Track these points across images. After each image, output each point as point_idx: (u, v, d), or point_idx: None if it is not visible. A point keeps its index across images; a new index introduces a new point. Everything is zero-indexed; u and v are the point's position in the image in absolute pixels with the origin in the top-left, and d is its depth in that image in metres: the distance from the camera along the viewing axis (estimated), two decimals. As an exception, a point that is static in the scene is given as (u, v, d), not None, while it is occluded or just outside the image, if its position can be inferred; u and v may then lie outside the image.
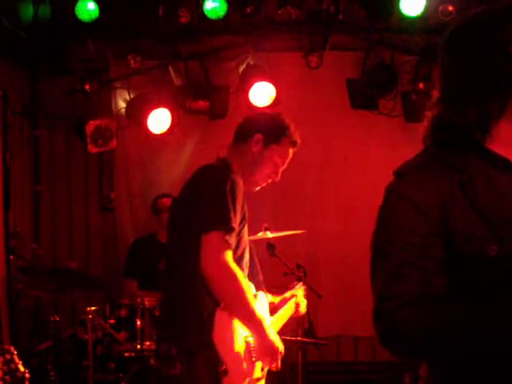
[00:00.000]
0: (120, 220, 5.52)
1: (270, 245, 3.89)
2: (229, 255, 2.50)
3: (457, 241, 1.45)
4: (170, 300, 2.67)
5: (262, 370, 2.70)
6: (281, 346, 2.67)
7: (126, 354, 4.16)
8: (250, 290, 2.60)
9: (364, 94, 5.22)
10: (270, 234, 3.98)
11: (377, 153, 5.42)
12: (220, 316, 2.50)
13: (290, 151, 2.90)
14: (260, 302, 2.81)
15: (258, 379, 2.66)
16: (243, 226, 2.67)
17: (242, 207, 2.63)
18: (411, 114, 5.26)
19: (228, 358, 2.48)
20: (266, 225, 3.98)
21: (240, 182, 2.65)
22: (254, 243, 3.53)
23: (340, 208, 5.38)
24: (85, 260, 5.47)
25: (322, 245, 5.29)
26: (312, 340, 4.01)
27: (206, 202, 2.57)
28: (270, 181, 2.90)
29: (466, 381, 1.49)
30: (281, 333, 4.29)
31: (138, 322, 4.16)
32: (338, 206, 5.39)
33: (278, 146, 2.85)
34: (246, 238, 2.74)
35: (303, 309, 3.28)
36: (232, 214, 2.52)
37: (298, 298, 3.24)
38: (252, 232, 3.93)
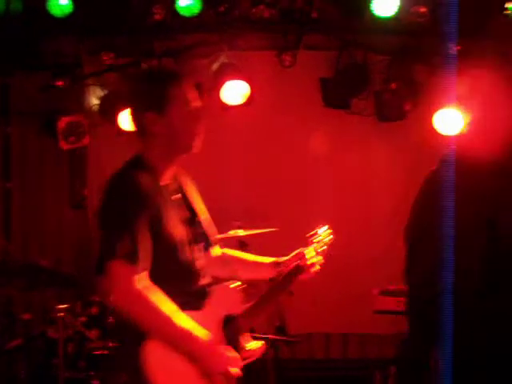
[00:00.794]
0: (93, 217, 5.50)
1: (241, 243, 3.91)
2: (137, 280, 2.24)
3: (502, 238, 1.47)
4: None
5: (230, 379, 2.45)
6: (232, 354, 2.41)
7: (98, 352, 4.14)
8: (174, 308, 2.29)
9: (337, 94, 5.27)
10: (241, 232, 4.01)
11: (349, 151, 5.48)
12: (152, 346, 2.28)
13: (185, 85, 2.46)
14: (220, 298, 2.53)
15: None
16: (158, 222, 2.35)
17: (152, 204, 2.34)
18: (383, 114, 5.31)
19: None
20: (238, 223, 4.01)
21: (143, 180, 2.34)
22: (225, 241, 3.53)
23: (312, 206, 5.41)
24: (56, 257, 5.43)
25: (294, 243, 5.31)
26: (283, 337, 4.04)
27: (103, 227, 2.35)
28: (201, 133, 2.50)
29: None
30: (253, 330, 4.31)
31: (110, 320, 4.15)
32: (311, 203, 5.42)
33: (170, 102, 2.42)
34: (177, 230, 2.43)
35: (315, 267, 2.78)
36: (127, 237, 2.24)
37: (309, 251, 2.78)
38: (225, 230, 3.95)
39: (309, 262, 2.76)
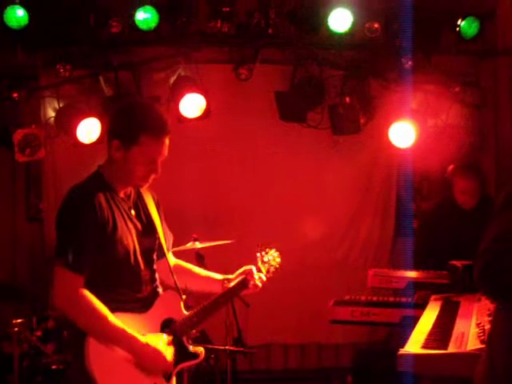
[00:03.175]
0: (48, 230, 5.43)
1: (198, 255, 3.93)
2: (79, 287, 2.47)
3: None
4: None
5: (166, 378, 2.65)
6: (163, 352, 2.59)
7: (54, 367, 4.11)
8: (107, 313, 2.50)
9: (293, 107, 5.33)
10: (198, 245, 4.03)
11: (305, 164, 5.54)
12: (91, 343, 2.49)
13: (160, 143, 2.60)
14: (164, 303, 2.73)
15: None
16: (110, 235, 2.56)
17: (105, 219, 2.55)
18: (338, 127, 5.39)
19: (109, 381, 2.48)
20: (195, 235, 4.04)
21: (98, 196, 2.56)
22: (183, 253, 3.57)
23: (269, 218, 5.46)
24: (11, 271, 5.36)
25: (251, 254, 5.35)
26: (241, 349, 4.06)
27: (58, 232, 2.56)
28: (153, 176, 2.66)
29: None
30: (211, 341, 4.32)
31: (66, 334, 4.12)
32: (267, 215, 5.46)
33: (138, 146, 2.57)
34: (127, 242, 2.62)
35: (258, 281, 2.95)
36: (75, 248, 2.48)
37: (256, 268, 2.98)
38: (182, 243, 3.97)
39: (255, 280, 2.95)
